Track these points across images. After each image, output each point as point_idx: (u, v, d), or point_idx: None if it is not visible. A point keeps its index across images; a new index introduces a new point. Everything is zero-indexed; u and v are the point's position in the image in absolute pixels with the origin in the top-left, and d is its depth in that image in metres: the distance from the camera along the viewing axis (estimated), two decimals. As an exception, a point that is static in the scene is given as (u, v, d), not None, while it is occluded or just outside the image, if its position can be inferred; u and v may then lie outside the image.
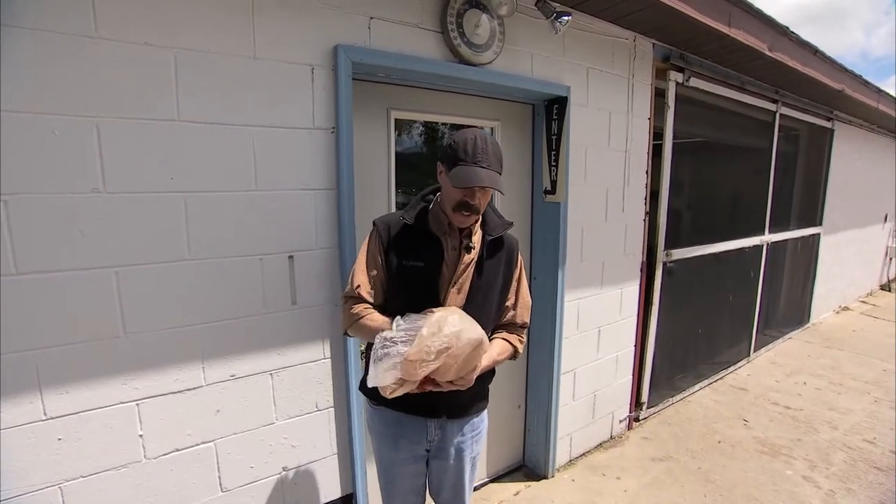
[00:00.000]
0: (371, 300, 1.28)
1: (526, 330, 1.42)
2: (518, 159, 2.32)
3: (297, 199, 1.52)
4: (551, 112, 2.24)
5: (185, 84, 1.30)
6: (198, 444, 1.44)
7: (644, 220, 2.78)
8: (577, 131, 2.28)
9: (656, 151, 2.82)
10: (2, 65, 1.08)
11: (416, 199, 1.33)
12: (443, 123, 2.09)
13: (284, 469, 1.61)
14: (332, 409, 1.69)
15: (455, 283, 1.25)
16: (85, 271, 1.23)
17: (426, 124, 2.05)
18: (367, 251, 1.29)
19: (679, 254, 3.12)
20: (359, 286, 1.26)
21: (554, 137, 2.24)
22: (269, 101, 1.43)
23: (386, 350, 1.07)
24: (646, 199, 2.77)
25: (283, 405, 1.59)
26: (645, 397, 3.14)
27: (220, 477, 1.49)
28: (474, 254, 1.28)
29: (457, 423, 1.34)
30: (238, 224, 1.43)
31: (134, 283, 1.29)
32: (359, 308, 1.27)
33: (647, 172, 2.75)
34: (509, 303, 1.37)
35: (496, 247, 1.31)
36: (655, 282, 3.00)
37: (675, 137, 2.87)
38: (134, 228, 1.28)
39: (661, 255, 2.98)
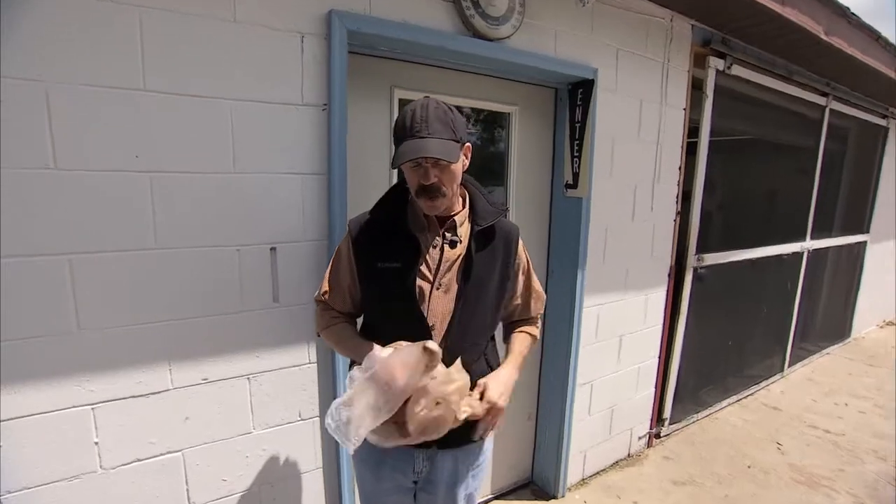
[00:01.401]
0: (339, 308, 1.16)
1: (539, 320, 1.32)
2: (537, 149, 2.11)
3: (282, 183, 1.35)
4: (575, 97, 2.02)
5: (152, 49, 1.14)
6: (163, 454, 1.30)
7: (675, 221, 2.53)
8: (604, 119, 2.05)
9: (690, 147, 2.56)
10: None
11: (389, 191, 1.15)
12: (456, 106, 1.88)
13: (262, 483, 1.46)
14: (318, 418, 1.52)
15: (439, 283, 1.07)
16: (33, 258, 1.08)
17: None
18: (338, 255, 1.16)
19: (711, 259, 2.85)
20: (325, 293, 1.16)
21: (578, 125, 2.02)
22: (250, 71, 1.26)
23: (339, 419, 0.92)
24: (677, 197, 2.52)
25: (262, 413, 1.43)
26: (667, 412, 2.89)
27: (188, 490, 1.34)
28: (461, 248, 1.09)
29: (450, 455, 1.15)
30: (212, 210, 1.26)
31: (90, 272, 1.14)
32: (327, 316, 1.18)
33: (679, 168, 2.50)
34: (517, 300, 1.24)
35: (488, 237, 1.12)
36: (684, 288, 2.75)
37: (712, 131, 2.60)
38: (91, 211, 1.12)
39: (691, 260, 2.72)
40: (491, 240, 1.12)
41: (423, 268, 1.07)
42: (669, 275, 2.58)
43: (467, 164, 1.08)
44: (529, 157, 2.08)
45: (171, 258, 1.23)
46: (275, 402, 1.44)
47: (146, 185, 1.18)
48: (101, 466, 1.22)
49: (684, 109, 2.44)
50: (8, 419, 1.10)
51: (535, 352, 2.29)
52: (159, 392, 1.27)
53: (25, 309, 1.09)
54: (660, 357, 2.69)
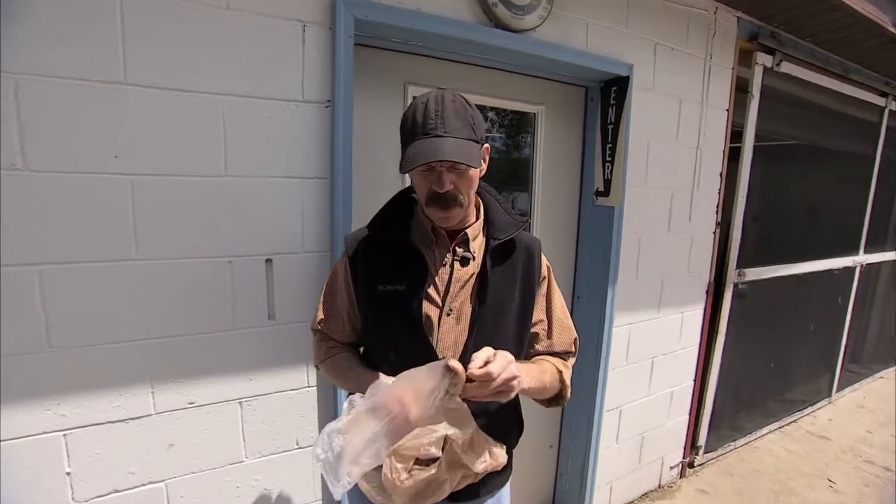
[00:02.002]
0: (338, 338, 1.01)
1: (573, 358, 1.05)
2: (565, 153, 1.93)
3: (279, 188, 1.22)
4: (608, 96, 1.84)
5: (133, 37, 1.02)
6: (144, 485, 1.17)
7: (714, 233, 2.31)
8: (640, 120, 1.86)
9: (732, 152, 2.33)
10: None
11: (391, 200, 0.99)
12: (477, 105, 1.73)
13: (253, 518, 1.32)
14: (317, 447, 1.38)
15: (449, 308, 0.91)
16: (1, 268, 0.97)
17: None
18: (334, 276, 1.01)
19: (754, 274, 2.60)
20: (320, 321, 1.01)
21: (610, 127, 1.84)
22: (245, 64, 1.14)
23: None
24: (718, 207, 2.30)
25: (255, 440, 1.30)
26: (702, 440, 2.65)
27: (171, 525, 1.22)
28: (474, 266, 0.93)
29: None
30: (200, 217, 1.14)
31: (63, 285, 1.03)
32: (325, 347, 1.02)
33: (721, 175, 2.28)
34: (538, 328, 1.00)
35: (506, 253, 0.95)
36: (723, 306, 2.51)
37: (757, 135, 2.37)
38: (64, 217, 1.01)
39: (731, 275, 2.49)
40: (510, 255, 0.96)
41: (431, 290, 0.91)
42: (707, 291, 2.36)
43: (485, 168, 0.93)
44: (556, 162, 1.91)
45: (155, 270, 1.11)
46: (269, 428, 1.31)
47: (126, 189, 1.06)
48: (73, 499, 1.10)
49: (727, 111, 2.23)
50: (-30, 446, 1.00)
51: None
52: (140, 417, 1.15)
53: (-10, 325, 0.98)
54: (695, 380, 2.46)
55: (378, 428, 0.75)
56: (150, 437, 1.16)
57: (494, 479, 1.00)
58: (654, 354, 2.20)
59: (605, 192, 1.88)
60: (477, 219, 0.96)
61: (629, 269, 1.99)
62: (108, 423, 1.11)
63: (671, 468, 2.48)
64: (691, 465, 2.63)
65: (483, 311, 0.90)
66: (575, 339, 1.03)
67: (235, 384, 1.24)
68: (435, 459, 0.75)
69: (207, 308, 1.18)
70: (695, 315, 2.33)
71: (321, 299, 1.04)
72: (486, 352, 0.78)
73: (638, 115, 1.85)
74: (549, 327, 1.01)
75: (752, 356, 2.85)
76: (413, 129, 0.83)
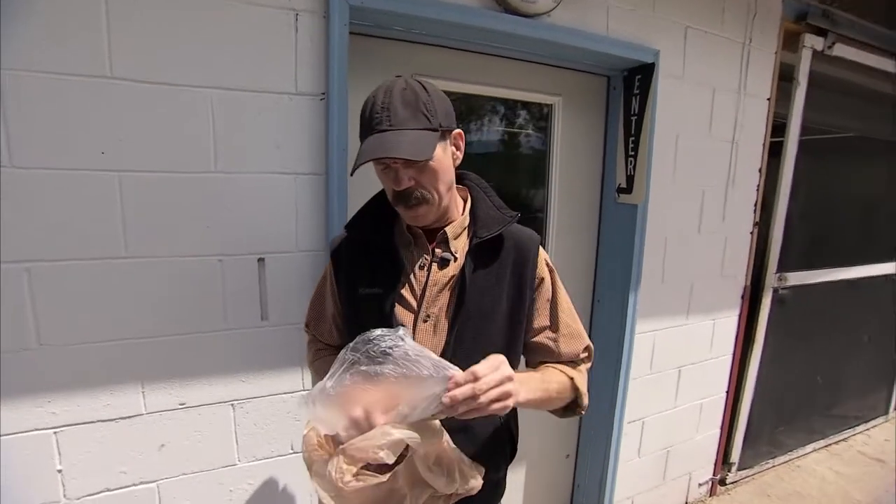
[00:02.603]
0: (326, 340, 0.97)
1: (584, 364, 0.94)
2: (584, 148, 1.81)
3: (271, 185, 1.18)
4: (632, 85, 1.70)
5: (118, 28, 1.00)
6: (135, 485, 1.16)
7: (751, 234, 2.12)
8: (667, 112, 1.71)
9: (773, 147, 2.13)
10: None
11: (370, 200, 0.93)
12: (486, 97, 1.64)
13: (247, 522, 1.30)
14: (313, 452, 1.34)
15: (426, 315, 0.83)
16: (-13, 266, 0.97)
17: (466, 98, 1.62)
18: (322, 278, 0.97)
19: (796, 278, 2.39)
20: (308, 323, 1.00)
21: (633, 119, 1.70)
22: (234, 56, 1.10)
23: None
24: (756, 205, 2.11)
25: (249, 444, 1.26)
26: (735, 456, 2.47)
27: (163, 526, 1.21)
28: (454, 267, 0.85)
29: None
30: (190, 215, 1.11)
31: (51, 283, 1.02)
32: (313, 349, 1.00)
33: (760, 171, 2.09)
34: (543, 337, 0.90)
35: (493, 252, 0.86)
36: (761, 312, 2.31)
37: (803, 127, 2.16)
38: (52, 215, 1.00)
39: (771, 279, 2.29)
40: (497, 254, 0.86)
41: (407, 294, 0.84)
42: (743, 296, 2.17)
43: (460, 156, 0.85)
44: (575, 157, 1.79)
45: (144, 269, 1.09)
46: (263, 432, 1.28)
47: (114, 186, 1.04)
48: (64, 496, 1.10)
49: (768, 100, 2.04)
50: (-38, 441, 1.00)
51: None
52: (130, 417, 1.13)
53: (-20, 322, 0.98)
54: (728, 392, 2.28)
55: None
56: (142, 437, 1.15)
57: (479, 501, 0.91)
58: (682, 363, 2.05)
59: (628, 189, 1.75)
60: (463, 214, 0.89)
61: (654, 272, 1.85)
62: (98, 421, 1.10)
63: (700, 485, 2.32)
64: (723, 483, 2.45)
65: (462, 317, 0.82)
66: (587, 347, 0.93)
67: (227, 386, 1.21)
68: (389, 467, 0.67)
69: (198, 308, 1.15)
70: (728, 322, 2.16)
71: (310, 302, 1.01)
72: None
73: (665, 106, 1.70)
74: (555, 336, 0.91)
75: (794, 367, 2.62)
76: (362, 125, 0.77)
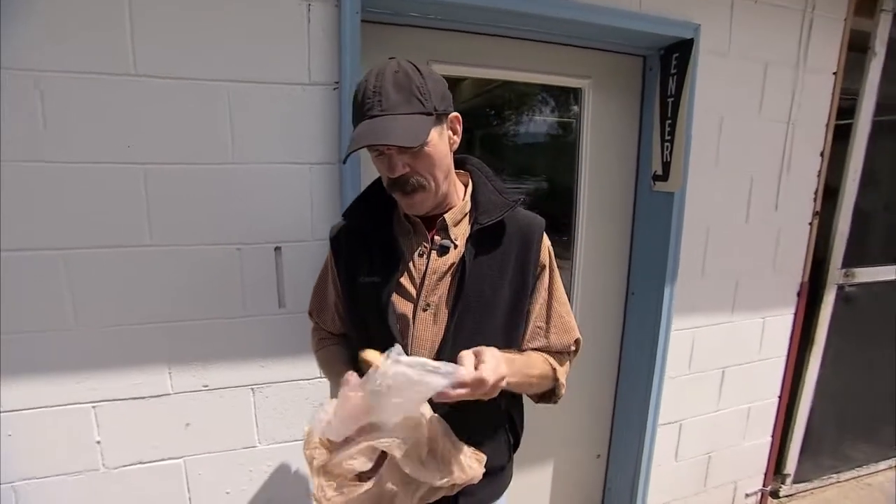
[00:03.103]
0: (329, 328, 0.98)
1: (571, 356, 0.93)
2: (617, 133, 1.71)
3: (287, 175, 1.20)
4: (668, 64, 1.58)
5: (141, 29, 1.04)
6: (164, 460, 1.24)
7: (811, 224, 1.93)
8: (709, 91, 1.58)
9: (840, 129, 1.92)
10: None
11: (369, 187, 0.91)
12: (507, 82, 1.59)
13: (268, 501, 1.34)
14: (330, 437, 1.37)
15: (426, 304, 0.81)
16: (29, 252, 1.06)
17: (486, 84, 1.58)
18: (324, 266, 0.97)
19: (867, 274, 2.15)
20: (311, 311, 1.00)
21: (670, 100, 1.59)
22: (249, 48, 1.12)
23: None
24: (816, 193, 1.91)
25: (268, 427, 1.31)
26: (790, 466, 2.27)
27: (190, 499, 1.28)
28: (454, 254, 0.82)
29: None
30: (209, 205, 1.15)
31: (86, 269, 1.10)
32: (317, 337, 1.01)
33: (821, 155, 1.88)
34: (534, 324, 0.88)
35: (495, 238, 0.83)
36: (822, 311, 2.10)
37: (878, 105, 1.92)
38: (85, 206, 1.07)
39: (834, 275, 2.07)
40: (498, 241, 0.83)
41: (406, 282, 0.82)
42: (800, 293, 1.98)
43: (457, 140, 0.82)
44: (606, 143, 1.70)
45: (168, 256, 1.15)
46: (282, 416, 1.32)
47: (139, 178, 1.10)
48: (103, 465, 1.19)
49: (834, 74, 1.83)
50: (13, 410, 1.11)
51: (609, 378, 1.91)
52: (159, 396, 1.20)
53: (25, 303, 1.07)
54: (780, 397, 2.10)
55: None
56: (169, 416, 1.22)
57: (482, 490, 0.89)
58: (726, 364, 1.90)
59: (664, 176, 1.63)
60: (462, 200, 0.86)
61: (693, 265, 1.73)
62: (130, 398, 1.18)
63: (747, 496, 2.16)
64: (775, 495, 2.27)
65: (461, 306, 0.79)
66: (576, 340, 0.90)
67: (247, 371, 1.26)
68: (371, 473, 0.67)
69: (218, 295, 1.20)
70: (781, 321, 1.98)
71: (314, 288, 1.01)
72: (470, 358, 0.68)
73: (707, 85, 1.57)
74: (546, 325, 0.88)
75: (862, 373, 2.37)
76: (354, 110, 0.75)
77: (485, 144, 1.63)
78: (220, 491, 1.30)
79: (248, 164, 1.17)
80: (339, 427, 0.69)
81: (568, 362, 0.91)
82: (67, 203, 1.06)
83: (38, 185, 1.04)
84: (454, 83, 1.53)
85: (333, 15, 1.16)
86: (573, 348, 0.90)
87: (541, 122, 1.71)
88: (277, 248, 1.23)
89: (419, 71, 0.75)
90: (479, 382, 0.66)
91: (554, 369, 0.86)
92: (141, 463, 1.22)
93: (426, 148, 0.74)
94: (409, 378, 0.62)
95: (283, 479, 1.35)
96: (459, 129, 0.82)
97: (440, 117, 0.77)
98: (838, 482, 2.39)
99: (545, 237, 0.87)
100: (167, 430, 1.22)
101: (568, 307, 0.90)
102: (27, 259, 1.06)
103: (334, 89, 1.20)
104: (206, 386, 1.23)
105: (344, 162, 0.78)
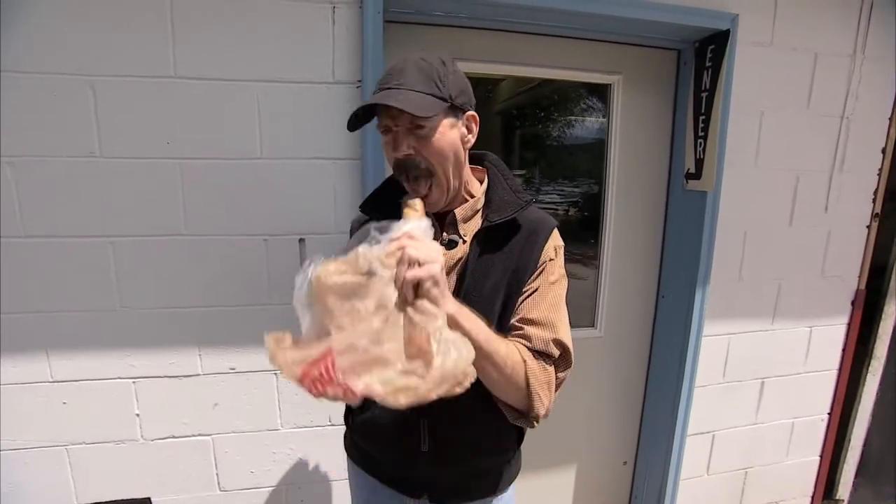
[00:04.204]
0: None
1: (556, 368, 0.79)
2: (648, 130, 1.65)
3: (311, 170, 1.26)
4: (703, 58, 1.51)
5: (181, 34, 1.13)
6: (195, 436, 1.33)
7: (868, 227, 1.78)
8: (749, 85, 1.50)
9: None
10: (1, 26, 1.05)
11: (387, 179, 0.91)
12: (532, 79, 1.58)
13: (289, 483, 1.41)
14: (349, 425, 1.42)
15: None
16: (82, 239, 1.17)
17: (510, 80, 1.57)
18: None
19: (937, 284, 1.95)
20: None
21: (704, 95, 1.51)
22: (277, 49, 1.18)
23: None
24: (876, 193, 1.76)
25: (290, 412, 1.37)
26: (844, 491, 2.10)
27: (217, 475, 1.36)
28: (462, 250, 0.82)
29: None
30: (238, 197, 1.23)
31: (129, 255, 1.20)
32: None
33: (883, 152, 1.73)
34: (521, 312, 0.80)
35: (504, 237, 0.82)
36: (883, 323, 1.93)
37: (951, 94, 1.74)
38: (129, 197, 1.18)
39: (897, 283, 1.90)
40: (509, 241, 0.82)
41: None
42: (854, 302, 1.83)
43: (471, 139, 0.82)
44: (637, 141, 1.65)
45: (201, 245, 1.23)
46: (303, 402, 1.37)
47: (176, 172, 1.19)
48: (142, 436, 1.30)
49: (897, 64, 1.68)
50: (67, 381, 1.23)
51: (637, 385, 1.84)
52: (190, 376, 1.29)
53: (79, 285, 1.19)
54: (831, 413, 1.94)
55: None
56: (199, 394, 1.31)
57: (480, 480, 0.89)
58: (766, 374, 1.79)
59: (697, 175, 1.56)
60: (475, 197, 0.86)
61: (730, 269, 1.64)
62: (165, 377, 1.28)
63: (790, 517, 2.01)
64: (824, 519, 2.10)
65: (463, 300, 0.79)
66: (556, 341, 0.78)
67: (271, 355, 1.32)
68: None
69: (245, 283, 1.27)
70: (831, 331, 1.83)
71: None
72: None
73: (746, 78, 1.49)
74: (528, 315, 0.80)
75: (931, 393, 2.15)
76: (375, 89, 0.77)
77: (524, 145, 1.64)
78: (245, 470, 1.38)
79: (275, 160, 1.23)
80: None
81: (549, 371, 0.78)
82: (114, 194, 1.17)
83: (90, 177, 1.15)
84: (491, 83, 1.55)
85: (357, 15, 1.21)
86: (554, 350, 0.78)
87: (580, 122, 1.68)
88: (301, 240, 1.28)
89: (443, 62, 0.77)
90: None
91: (524, 361, 0.75)
92: (173, 437, 1.32)
93: (434, 136, 0.74)
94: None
95: (305, 462, 1.41)
96: (475, 128, 0.82)
97: (455, 109, 0.77)
98: (901, 512, 2.18)
99: (554, 236, 0.84)
100: (197, 409, 1.31)
101: (560, 309, 0.82)
102: (82, 245, 1.17)
103: (357, 87, 1.24)
104: (233, 369, 1.31)
105: (349, 127, 0.79)
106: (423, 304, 0.61)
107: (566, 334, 0.80)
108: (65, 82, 1.10)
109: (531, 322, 0.79)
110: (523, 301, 0.81)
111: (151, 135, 1.16)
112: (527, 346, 0.77)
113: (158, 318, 1.24)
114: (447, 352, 0.58)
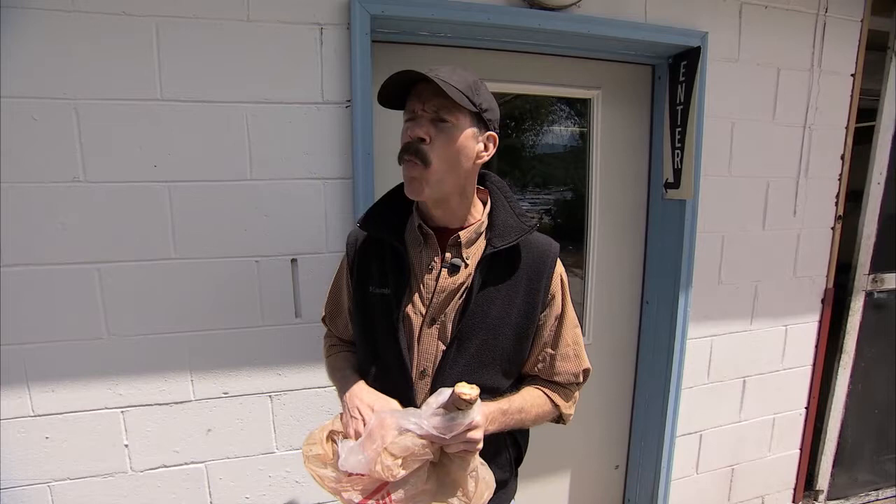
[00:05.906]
0: (340, 334, 1.00)
1: (578, 388, 0.92)
2: (627, 142, 1.72)
3: (301, 190, 1.26)
4: (677, 72, 1.59)
5: (167, 57, 1.13)
6: (187, 464, 1.29)
7: (833, 229, 1.88)
8: (720, 98, 1.58)
9: (860, 131, 1.88)
10: (-20, 44, 1.02)
11: (386, 194, 0.91)
12: (518, 95, 1.62)
13: (285, 507, 1.39)
14: (346, 444, 1.40)
15: (431, 319, 0.82)
16: (66, 266, 1.14)
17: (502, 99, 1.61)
18: (339, 272, 0.98)
19: (897, 280, 2.07)
20: (324, 316, 1.02)
21: (679, 108, 1.59)
22: (265, 71, 1.19)
23: None
24: (838, 197, 1.87)
25: (286, 434, 1.35)
26: (822, 482, 2.18)
27: (211, 503, 1.32)
28: (464, 274, 0.82)
29: None
30: (229, 219, 1.22)
31: (116, 281, 1.17)
32: (327, 344, 1.03)
33: (842, 158, 1.84)
34: (541, 354, 0.88)
35: (508, 262, 0.83)
36: (850, 318, 2.03)
37: (901, 104, 1.87)
38: (116, 222, 1.15)
39: (862, 281, 2.00)
40: (513, 266, 0.83)
41: (416, 297, 0.83)
42: (824, 300, 1.93)
43: (486, 157, 0.82)
44: (617, 153, 1.70)
45: (190, 268, 1.21)
46: (300, 423, 1.36)
47: (165, 195, 1.17)
48: (131, 468, 1.26)
49: (852, 76, 1.79)
50: (50, 414, 1.18)
51: (626, 390, 1.88)
52: (181, 402, 1.26)
53: (64, 314, 1.15)
54: (808, 407, 2.03)
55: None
56: (191, 421, 1.28)
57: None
58: (747, 373, 1.86)
59: (675, 184, 1.63)
60: (479, 220, 0.86)
61: (709, 273, 1.71)
62: (155, 404, 1.25)
63: (775, 510, 2.08)
64: (806, 511, 2.18)
65: (465, 328, 0.80)
66: (585, 371, 0.90)
67: (265, 378, 1.31)
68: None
69: (237, 305, 1.26)
70: (804, 329, 1.92)
71: (327, 295, 1.02)
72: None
73: (718, 92, 1.57)
74: (554, 353, 0.87)
75: (898, 383, 2.27)
76: None
77: (502, 156, 1.67)
78: (240, 496, 1.34)
79: (266, 181, 1.23)
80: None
81: (576, 393, 0.91)
82: (100, 219, 1.14)
83: (74, 202, 1.12)
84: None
85: (345, 36, 1.22)
86: (580, 379, 0.89)
87: (557, 132, 1.73)
88: (294, 260, 1.28)
89: (479, 79, 0.79)
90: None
91: (556, 405, 0.87)
92: (165, 466, 1.28)
93: (455, 132, 0.75)
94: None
95: (303, 485, 1.38)
96: (492, 148, 0.83)
97: (481, 122, 0.79)
98: (877, 500, 2.28)
99: (559, 264, 0.87)
100: (190, 436, 1.28)
101: (579, 336, 0.89)
102: (66, 272, 1.14)
103: (346, 107, 1.25)
104: (227, 393, 1.29)
105: (379, 100, 0.80)
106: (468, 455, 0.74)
107: (586, 358, 0.89)
108: (46, 106, 1.07)
109: (554, 358, 0.85)
110: (543, 332, 0.85)
111: (138, 158, 1.14)
112: (554, 381, 0.85)
113: (148, 344, 1.21)
114: (477, 478, 0.75)
